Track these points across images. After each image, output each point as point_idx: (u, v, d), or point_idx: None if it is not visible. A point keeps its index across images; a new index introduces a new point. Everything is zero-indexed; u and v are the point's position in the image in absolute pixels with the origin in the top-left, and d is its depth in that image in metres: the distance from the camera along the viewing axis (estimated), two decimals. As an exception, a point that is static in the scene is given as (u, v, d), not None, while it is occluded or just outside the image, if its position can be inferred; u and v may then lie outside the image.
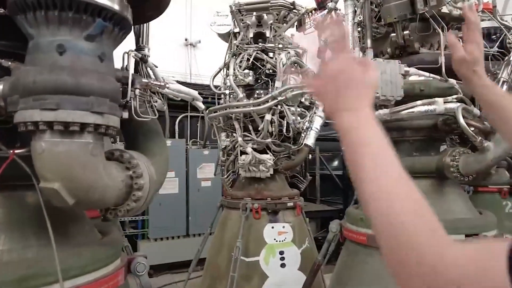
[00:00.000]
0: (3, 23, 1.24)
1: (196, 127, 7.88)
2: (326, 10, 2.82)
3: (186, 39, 8.40)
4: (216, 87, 4.64)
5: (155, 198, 1.61)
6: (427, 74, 2.30)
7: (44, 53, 1.14)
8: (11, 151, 1.25)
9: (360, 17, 2.41)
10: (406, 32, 2.36)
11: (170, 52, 7.89)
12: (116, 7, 1.21)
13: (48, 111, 1.10)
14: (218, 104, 4.50)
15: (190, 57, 8.33)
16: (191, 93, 1.79)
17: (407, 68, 2.27)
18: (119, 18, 1.24)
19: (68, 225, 1.60)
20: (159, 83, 1.45)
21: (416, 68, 2.34)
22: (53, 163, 1.16)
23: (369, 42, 2.44)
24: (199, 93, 2.21)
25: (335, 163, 9.03)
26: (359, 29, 2.57)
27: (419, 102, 2.22)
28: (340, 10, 2.83)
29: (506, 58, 2.41)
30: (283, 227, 4.23)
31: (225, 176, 4.52)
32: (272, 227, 4.18)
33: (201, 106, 2.17)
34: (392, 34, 2.43)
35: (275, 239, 4.14)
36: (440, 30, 2.28)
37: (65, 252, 1.48)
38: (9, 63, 1.23)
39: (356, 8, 2.43)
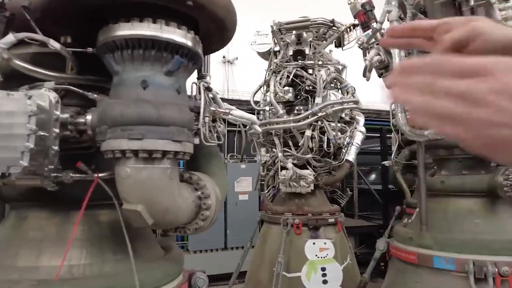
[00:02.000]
0: (89, 60, 1.39)
1: (234, 141, 8.03)
2: (370, 30, 2.87)
3: (223, 57, 8.65)
4: (255, 103, 4.74)
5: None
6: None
7: (128, 88, 1.27)
8: (95, 175, 1.38)
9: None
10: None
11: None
12: (189, 43, 1.33)
13: (134, 141, 1.22)
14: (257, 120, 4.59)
15: (228, 73, 8.55)
16: (251, 118, 1.89)
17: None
18: (192, 54, 1.36)
19: (137, 241, 1.72)
20: (224, 111, 1.56)
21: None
22: (137, 187, 1.28)
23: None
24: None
25: (372, 176, 8.89)
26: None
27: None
28: (384, 29, 2.87)
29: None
30: (325, 243, 4.23)
31: (266, 191, 4.57)
32: (314, 243, 4.19)
33: (259, 129, 2.27)
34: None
35: (316, 255, 4.14)
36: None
37: (137, 267, 1.59)
38: (95, 95, 1.38)
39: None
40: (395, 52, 2.47)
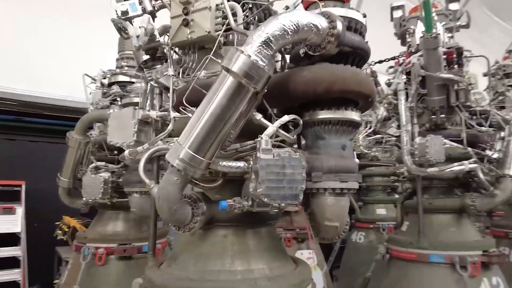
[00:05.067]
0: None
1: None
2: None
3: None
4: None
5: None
6: (455, 144, 3.50)
7: (334, 149, 2.03)
8: (299, 207, 2.08)
9: (412, 103, 3.56)
10: (442, 116, 3.57)
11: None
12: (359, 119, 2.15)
13: (343, 183, 1.98)
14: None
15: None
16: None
17: (445, 140, 3.45)
18: (358, 125, 2.17)
19: (285, 252, 2.38)
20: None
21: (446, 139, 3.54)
22: (338, 211, 2.02)
23: (415, 120, 3.59)
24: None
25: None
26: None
27: (455, 163, 3.39)
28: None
29: None
30: (310, 253, 5.13)
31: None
32: (301, 253, 5.05)
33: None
34: (433, 116, 3.62)
35: (305, 263, 5.01)
36: (462, 116, 3.53)
37: (289, 269, 2.24)
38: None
39: (408, 96, 3.58)
40: (401, 108, 3.56)
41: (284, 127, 2.01)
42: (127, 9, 2.22)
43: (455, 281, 3.27)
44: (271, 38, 1.70)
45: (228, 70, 1.69)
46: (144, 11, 2.22)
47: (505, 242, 4.44)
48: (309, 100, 1.99)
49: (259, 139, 1.81)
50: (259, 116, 1.87)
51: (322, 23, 1.84)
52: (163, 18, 2.47)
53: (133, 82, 4.42)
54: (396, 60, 4.13)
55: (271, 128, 1.83)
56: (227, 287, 1.92)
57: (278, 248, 2.33)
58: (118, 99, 4.28)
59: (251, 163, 1.89)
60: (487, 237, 3.74)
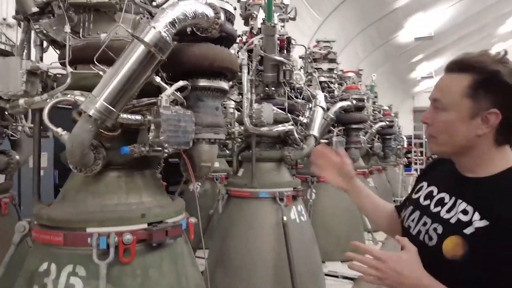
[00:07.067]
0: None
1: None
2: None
3: None
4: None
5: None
6: (280, 110, 4.66)
7: (210, 109, 2.69)
8: (185, 155, 2.67)
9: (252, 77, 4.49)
10: (273, 88, 4.64)
11: None
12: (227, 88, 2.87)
13: (216, 134, 2.69)
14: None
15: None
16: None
17: (273, 107, 4.54)
18: (227, 92, 2.89)
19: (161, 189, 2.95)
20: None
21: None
22: (210, 155, 2.72)
23: (253, 90, 4.56)
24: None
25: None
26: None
27: (280, 125, 4.54)
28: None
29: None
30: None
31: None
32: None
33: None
34: (266, 88, 4.65)
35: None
36: (286, 90, 4.68)
37: (168, 201, 2.84)
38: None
39: (249, 71, 4.49)
40: (244, 80, 4.45)
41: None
42: (21, -41, 2.27)
43: (275, 209, 4.47)
44: (176, 20, 2.20)
45: (139, 39, 2.12)
46: (42, -34, 2.31)
47: (305, 184, 6.06)
48: (194, 70, 2.58)
49: (158, 97, 2.32)
50: (158, 79, 2.36)
51: (210, 13, 2.43)
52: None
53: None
54: (240, 39, 4.97)
55: (170, 90, 2.35)
56: (126, 215, 2.40)
57: (160, 186, 2.90)
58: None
59: (148, 116, 2.39)
60: (296, 179, 5.13)
